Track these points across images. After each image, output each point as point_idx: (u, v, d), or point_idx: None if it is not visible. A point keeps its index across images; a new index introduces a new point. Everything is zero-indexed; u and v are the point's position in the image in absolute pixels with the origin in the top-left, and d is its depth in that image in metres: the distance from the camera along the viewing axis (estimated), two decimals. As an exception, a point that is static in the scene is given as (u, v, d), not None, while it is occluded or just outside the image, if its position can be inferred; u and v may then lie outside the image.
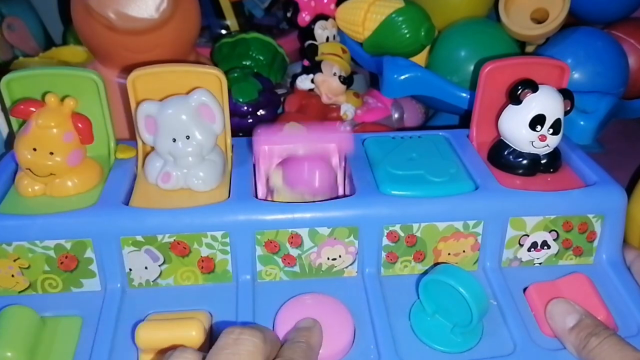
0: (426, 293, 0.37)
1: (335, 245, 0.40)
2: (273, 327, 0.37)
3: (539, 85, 0.41)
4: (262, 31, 0.62)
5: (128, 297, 0.39)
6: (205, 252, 0.39)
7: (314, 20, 0.63)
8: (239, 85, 0.54)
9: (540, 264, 0.43)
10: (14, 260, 0.38)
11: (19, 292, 0.39)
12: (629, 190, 0.44)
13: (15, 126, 0.42)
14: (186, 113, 0.39)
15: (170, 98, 0.40)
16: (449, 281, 0.35)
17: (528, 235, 0.41)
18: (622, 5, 0.62)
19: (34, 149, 0.39)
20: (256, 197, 0.40)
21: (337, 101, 0.57)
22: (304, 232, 0.39)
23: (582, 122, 0.49)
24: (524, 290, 0.40)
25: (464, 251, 0.41)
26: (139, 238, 0.38)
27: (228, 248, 0.39)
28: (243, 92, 0.53)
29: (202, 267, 0.40)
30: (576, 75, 0.55)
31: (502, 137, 0.44)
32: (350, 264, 0.41)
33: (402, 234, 0.40)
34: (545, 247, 0.42)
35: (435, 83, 0.55)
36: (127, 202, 0.40)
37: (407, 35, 0.57)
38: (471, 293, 0.35)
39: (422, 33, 0.57)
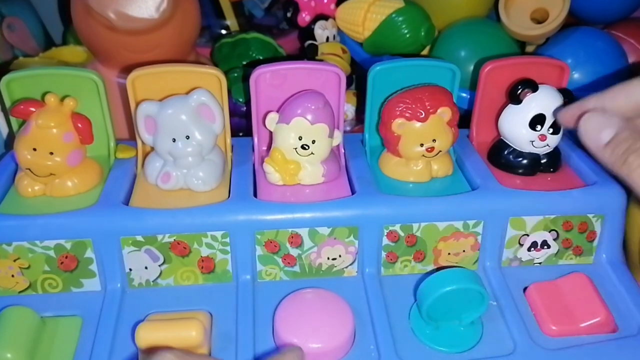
0: (430, 314, 0.37)
1: (335, 245, 0.40)
2: (273, 323, 0.37)
3: (539, 85, 0.41)
4: (262, 31, 0.62)
5: (128, 297, 0.39)
6: (205, 252, 0.39)
7: (314, 20, 0.63)
8: (238, 85, 0.54)
9: (540, 263, 0.43)
10: (14, 260, 0.38)
11: (19, 292, 0.39)
12: (629, 191, 0.44)
13: (15, 126, 0.42)
14: (186, 113, 0.39)
15: (170, 98, 0.40)
16: (437, 294, 0.35)
17: (528, 235, 0.41)
18: (622, 5, 0.62)
19: (34, 149, 0.39)
20: (255, 196, 0.40)
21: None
22: (304, 232, 0.39)
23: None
24: (524, 289, 0.40)
25: (464, 251, 0.41)
26: (139, 238, 0.38)
27: (228, 248, 0.39)
28: (243, 92, 0.54)
29: (202, 267, 0.40)
30: (576, 75, 0.55)
31: (502, 137, 0.44)
32: (350, 264, 0.41)
33: (402, 234, 0.40)
34: (545, 247, 0.42)
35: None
36: (127, 202, 0.40)
37: (407, 35, 0.57)
38: (462, 281, 0.35)
39: (422, 33, 0.57)
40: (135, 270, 0.39)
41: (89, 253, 0.39)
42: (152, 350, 0.31)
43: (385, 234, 0.40)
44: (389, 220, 0.40)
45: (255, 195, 0.41)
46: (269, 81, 0.42)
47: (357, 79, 0.64)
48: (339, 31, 0.64)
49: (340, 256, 0.40)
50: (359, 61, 0.62)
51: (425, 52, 0.60)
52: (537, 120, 0.41)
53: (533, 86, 0.41)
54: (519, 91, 0.41)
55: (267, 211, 0.39)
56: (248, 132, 0.45)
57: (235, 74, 0.55)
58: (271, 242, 0.39)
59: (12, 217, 0.38)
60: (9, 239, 0.38)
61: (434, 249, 0.41)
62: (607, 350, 0.36)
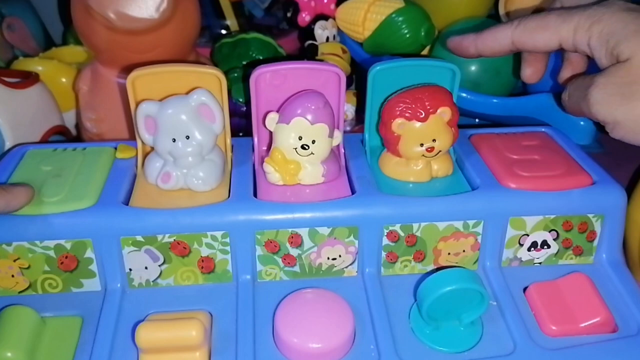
0: (430, 314, 0.37)
1: (335, 245, 0.40)
2: (273, 323, 0.37)
3: None
4: (262, 31, 0.62)
5: (128, 297, 0.39)
6: (205, 252, 0.39)
7: (314, 20, 0.63)
8: (238, 85, 0.54)
9: (540, 263, 0.43)
10: (14, 260, 0.38)
11: (19, 292, 0.39)
12: (629, 190, 0.44)
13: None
14: (186, 113, 0.39)
15: (170, 98, 0.40)
16: (437, 294, 0.35)
17: (528, 235, 0.41)
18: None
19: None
20: (255, 196, 0.40)
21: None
22: (304, 232, 0.39)
23: (582, 122, 0.49)
24: (524, 289, 0.40)
25: (464, 251, 0.41)
26: (139, 238, 0.38)
27: (228, 248, 0.39)
28: (243, 92, 0.54)
29: (202, 267, 0.40)
30: (576, 75, 0.55)
31: None
32: (350, 264, 0.41)
33: (402, 234, 0.40)
34: (545, 247, 0.42)
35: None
36: (127, 202, 0.40)
37: (407, 35, 0.57)
38: (462, 281, 0.35)
39: (422, 33, 0.57)
40: (135, 270, 0.39)
41: (89, 253, 0.39)
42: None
43: (385, 234, 0.40)
44: (389, 220, 0.40)
45: (255, 195, 0.41)
46: (269, 81, 0.42)
47: (357, 79, 0.64)
48: (339, 31, 0.64)
49: (340, 256, 0.40)
50: (359, 61, 0.62)
51: (425, 52, 0.60)
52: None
53: None
54: None
55: (267, 211, 0.39)
56: (248, 132, 0.45)
57: (235, 74, 0.55)
58: (271, 242, 0.39)
59: (12, 217, 0.38)
60: (9, 239, 0.38)
61: (434, 249, 0.41)
62: (607, 350, 0.36)
